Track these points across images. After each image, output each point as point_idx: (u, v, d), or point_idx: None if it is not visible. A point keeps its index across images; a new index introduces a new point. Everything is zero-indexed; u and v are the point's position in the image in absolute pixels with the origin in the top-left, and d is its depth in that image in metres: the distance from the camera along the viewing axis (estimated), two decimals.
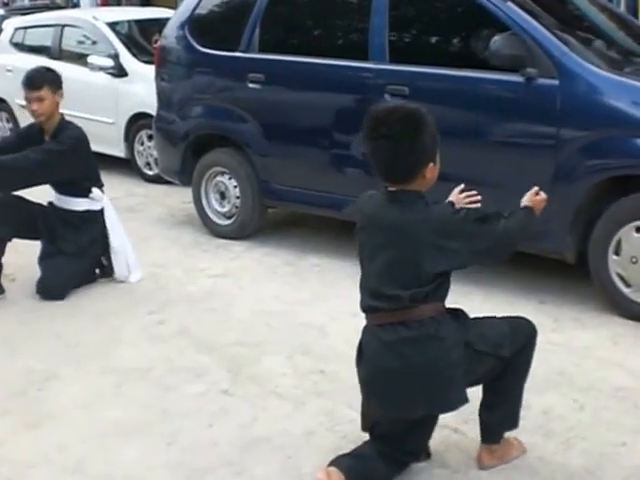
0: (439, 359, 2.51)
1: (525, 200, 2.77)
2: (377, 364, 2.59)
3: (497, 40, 4.21)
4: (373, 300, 2.60)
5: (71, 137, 4.59)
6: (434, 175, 2.57)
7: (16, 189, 4.61)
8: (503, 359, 2.61)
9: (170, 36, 6.03)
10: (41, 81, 4.54)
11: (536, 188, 2.80)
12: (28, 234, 4.71)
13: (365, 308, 2.66)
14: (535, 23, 4.32)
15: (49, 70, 4.75)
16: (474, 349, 2.56)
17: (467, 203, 2.90)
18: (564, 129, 4.16)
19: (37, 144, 4.60)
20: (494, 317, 2.77)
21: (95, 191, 4.72)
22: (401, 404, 2.57)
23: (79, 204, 4.69)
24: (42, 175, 4.52)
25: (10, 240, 4.63)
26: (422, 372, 2.51)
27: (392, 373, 2.54)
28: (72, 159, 4.54)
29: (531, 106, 4.28)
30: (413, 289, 2.51)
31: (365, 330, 2.68)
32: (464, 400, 2.57)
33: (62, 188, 4.72)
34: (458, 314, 2.65)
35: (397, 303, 2.53)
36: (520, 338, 2.67)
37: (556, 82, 4.16)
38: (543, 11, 4.62)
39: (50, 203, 4.80)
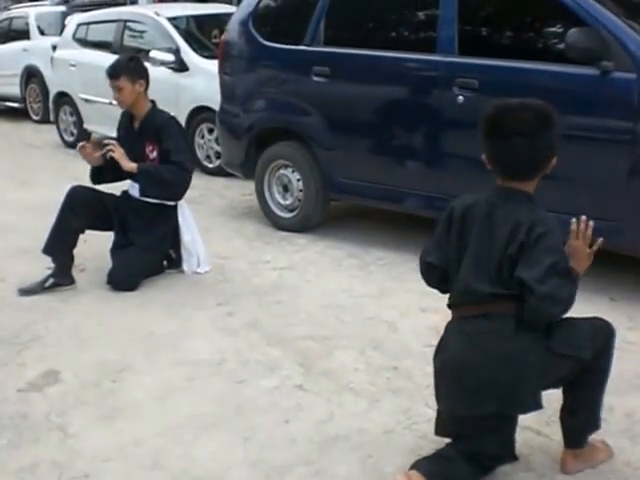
0: (514, 357, 2.45)
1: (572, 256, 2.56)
2: (452, 354, 2.57)
3: (573, 33, 4.13)
4: (463, 295, 2.58)
5: (178, 132, 4.76)
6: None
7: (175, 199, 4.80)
8: (583, 361, 2.54)
9: (234, 30, 6.04)
10: (118, 71, 4.62)
11: (573, 225, 2.55)
12: (101, 225, 4.77)
13: (453, 302, 2.63)
14: (611, 15, 4.22)
15: (131, 60, 4.80)
16: (555, 352, 2.50)
17: None
18: None
19: (127, 129, 4.77)
20: (573, 318, 2.66)
21: None
22: (467, 398, 2.52)
23: None
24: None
25: (83, 232, 4.68)
26: (495, 367, 2.45)
27: (466, 363, 2.50)
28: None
29: (607, 100, 4.19)
30: (503, 284, 2.47)
31: (448, 324, 2.66)
32: (538, 405, 2.51)
33: None
34: None
35: (484, 296, 2.50)
36: (600, 339, 2.60)
37: (633, 76, 4.07)
38: (617, 3, 4.52)
39: (124, 192, 4.85)
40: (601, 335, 2.62)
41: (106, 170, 4.75)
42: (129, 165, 4.58)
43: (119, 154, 4.59)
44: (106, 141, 4.67)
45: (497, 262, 2.49)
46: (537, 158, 2.51)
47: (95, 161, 4.71)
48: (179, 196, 4.73)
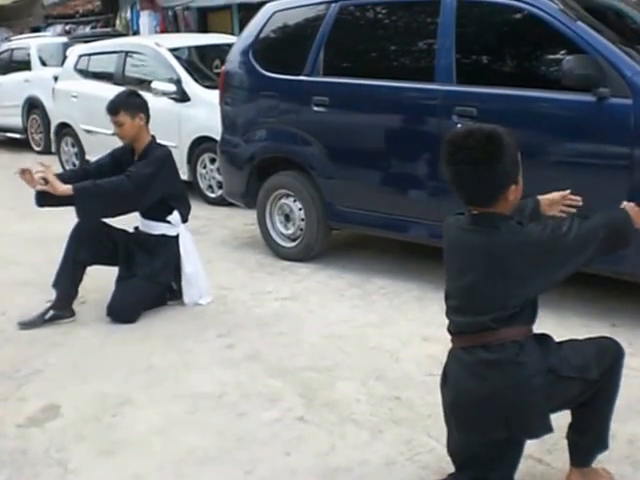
0: (519, 384, 2.44)
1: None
2: (458, 386, 2.55)
3: (569, 60, 4.16)
4: (458, 323, 2.57)
5: (157, 156, 4.68)
6: (517, 197, 2.53)
7: (114, 215, 4.68)
8: (591, 382, 2.54)
9: (234, 61, 6.08)
10: (117, 106, 4.64)
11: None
12: (108, 261, 4.77)
13: (451, 331, 2.62)
14: (606, 42, 4.25)
15: (130, 95, 4.81)
16: (558, 375, 2.49)
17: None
18: (639, 149, 4.07)
19: (128, 164, 4.72)
20: (578, 340, 2.68)
21: (174, 216, 4.77)
22: (480, 427, 2.51)
23: (157, 228, 4.75)
24: (140, 199, 4.61)
25: (90, 265, 4.67)
26: (501, 396, 2.45)
27: (473, 396, 2.49)
28: (162, 177, 4.65)
29: (603, 126, 4.21)
30: (496, 312, 2.47)
31: (450, 353, 2.64)
32: (548, 429, 2.49)
33: (148, 212, 4.77)
34: (544, 339, 2.58)
35: (480, 326, 2.49)
36: (607, 359, 2.60)
37: (629, 101, 4.09)
38: (612, 30, 4.55)
39: (136, 228, 4.86)
40: (608, 355, 2.62)
41: (49, 194, 4.50)
42: (60, 188, 4.36)
43: (51, 178, 4.39)
44: (39, 164, 4.51)
45: (497, 290, 2.47)
46: (485, 186, 2.44)
47: (36, 186, 4.50)
48: (115, 208, 4.58)
